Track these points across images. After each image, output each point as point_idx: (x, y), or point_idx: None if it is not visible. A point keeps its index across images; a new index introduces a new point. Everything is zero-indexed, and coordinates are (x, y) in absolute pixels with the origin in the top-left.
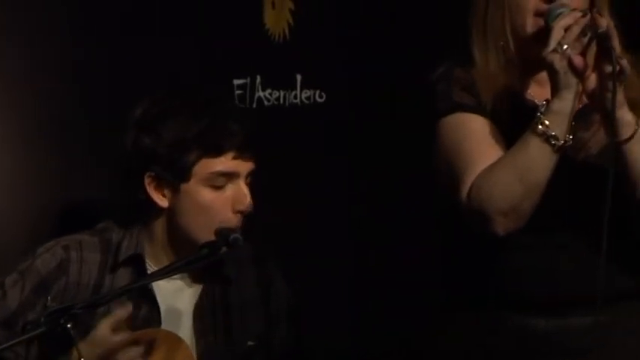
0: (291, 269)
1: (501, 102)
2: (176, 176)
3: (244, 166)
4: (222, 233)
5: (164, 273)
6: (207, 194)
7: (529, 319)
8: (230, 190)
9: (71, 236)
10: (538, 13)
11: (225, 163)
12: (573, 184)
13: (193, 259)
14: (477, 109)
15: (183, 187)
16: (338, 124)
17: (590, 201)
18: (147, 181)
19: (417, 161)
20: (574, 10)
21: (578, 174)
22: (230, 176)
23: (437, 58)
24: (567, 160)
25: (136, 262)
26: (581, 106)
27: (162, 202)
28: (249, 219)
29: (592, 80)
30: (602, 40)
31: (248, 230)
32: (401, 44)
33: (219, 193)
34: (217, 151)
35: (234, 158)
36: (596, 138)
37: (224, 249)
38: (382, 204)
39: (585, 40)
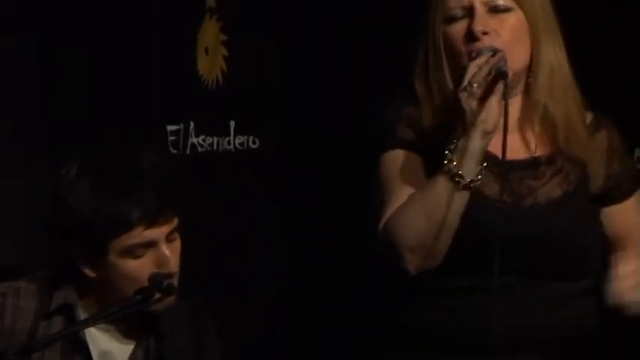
0: (224, 317)
1: (443, 142)
2: (94, 251)
3: (160, 232)
4: (156, 279)
5: (95, 320)
6: (128, 265)
7: None
8: (151, 256)
9: (9, 283)
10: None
11: (137, 236)
12: (514, 229)
13: (127, 305)
14: (419, 147)
15: (105, 259)
16: (271, 169)
17: (528, 247)
18: (72, 252)
19: (350, 205)
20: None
21: (520, 220)
22: (147, 245)
23: (367, 106)
24: (511, 205)
25: (68, 311)
26: (535, 155)
27: (89, 273)
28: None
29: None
30: (500, 78)
31: (181, 282)
32: (333, 91)
33: (141, 261)
34: (127, 227)
35: (147, 228)
36: (546, 189)
37: (157, 295)
38: (316, 249)
39: (489, 78)
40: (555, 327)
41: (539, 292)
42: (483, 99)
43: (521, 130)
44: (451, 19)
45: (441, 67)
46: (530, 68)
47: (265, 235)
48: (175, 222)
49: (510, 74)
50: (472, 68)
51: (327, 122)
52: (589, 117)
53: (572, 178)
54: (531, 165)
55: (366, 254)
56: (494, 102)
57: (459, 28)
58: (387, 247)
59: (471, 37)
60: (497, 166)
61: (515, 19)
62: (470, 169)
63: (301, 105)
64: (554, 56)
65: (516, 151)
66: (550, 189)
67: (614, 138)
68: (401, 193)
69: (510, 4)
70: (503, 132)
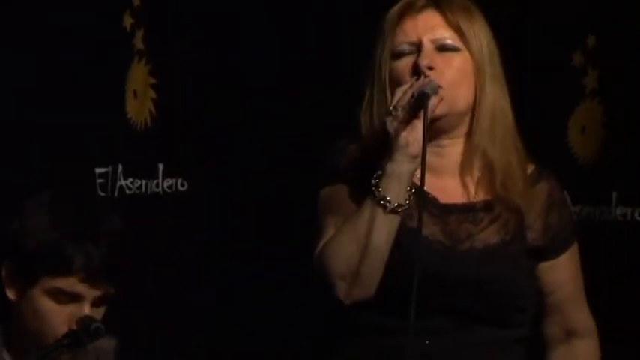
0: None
1: None
2: (24, 278)
3: (91, 292)
4: (84, 322)
5: None
6: (46, 304)
7: None
8: (72, 309)
9: None
10: None
11: (70, 284)
12: (450, 272)
13: (53, 348)
14: (359, 182)
15: (30, 290)
16: (200, 212)
17: (463, 291)
18: (4, 268)
19: (281, 245)
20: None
21: (456, 263)
22: (73, 297)
23: (296, 146)
24: (448, 248)
25: None
26: (473, 200)
27: (11, 294)
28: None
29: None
30: (421, 100)
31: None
32: (261, 133)
33: (60, 308)
34: (65, 271)
35: (82, 281)
36: (483, 234)
37: (85, 339)
38: (248, 291)
39: (412, 101)
40: None
41: (472, 336)
42: (409, 123)
43: (461, 174)
44: (399, 55)
45: (385, 101)
46: (473, 112)
47: (195, 278)
48: (109, 290)
49: (434, 100)
50: (398, 93)
51: (256, 164)
52: (531, 168)
53: (510, 227)
54: (469, 210)
55: (300, 295)
56: (418, 125)
57: (405, 64)
58: (320, 276)
59: (416, 71)
60: (436, 208)
61: (461, 60)
62: (395, 193)
63: (230, 147)
64: (498, 102)
65: (455, 195)
66: (488, 235)
67: (555, 191)
68: (336, 224)
69: (458, 44)
70: (422, 155)
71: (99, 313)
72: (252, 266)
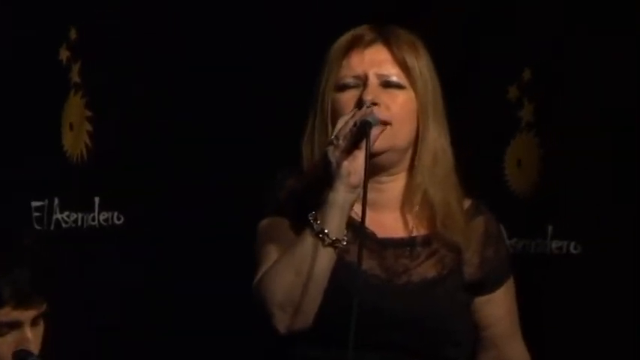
0: None
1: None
2: None
3: (27, 315)
4: (20, 356)
5: None
6: None
7: None
8: (14, 336)
9: None
10: None
11: (4, 314)
12: (385, 306)
13: None
14: (298, 214)
15: None
16: (137, 246)
17: (398, 325)
18: None
19: (220, 278)
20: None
21: (392, 297)
22: (11, 325)
23: (232, 180)
24: (384, 281)
25: None
26: (412, 235)
27: None
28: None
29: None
30: (363, 129)
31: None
32: (198, 167)
33: (3, 339)
34: None
35: (15, 309)
36: (420, 269)
37: None
38: (185, 326)
39: (354, 130)
40: None
41: None
42: (350, 152)
43: (401, 209)
44: (343, 87)
45: (327, 133)
46: (415, 149)
47: (132, 313)
48: (44, 307)
49: (375, 131)
50: (340, 122)
51: (193, 197)
52: (467, 202)
53: (447, 262)
54: (407, 244)
55: (239, 327)
56: (359, 156)
57: (349, 97)
58: (259, 306)
59: (359, 106)
60: (374, 243)
61: (406, 97)
62: (335, 225)
63: (167, 180)
64: (440, 142)
65: (394, 229)
66: (425, 270)
67: (491, 225)
68: (275, 255)
69: (404, 82)
70: (364, 185)
71: (39, 330)
72: (189, 299)
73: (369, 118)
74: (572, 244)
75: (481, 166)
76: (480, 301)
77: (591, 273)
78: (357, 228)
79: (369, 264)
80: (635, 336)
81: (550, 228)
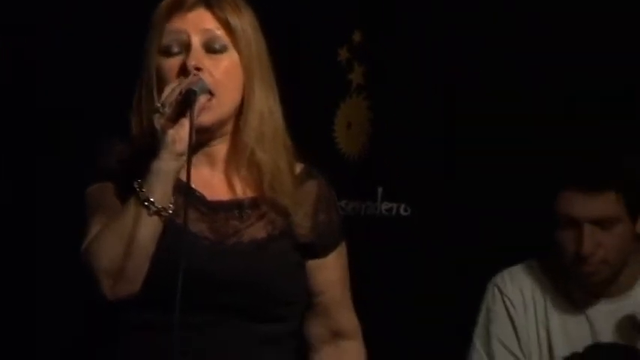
0: None
1: None
2: None
3: None
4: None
5: None
6: None
7: None
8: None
9: None
10: None
11: None
12: (215, 267)
13: None
14: (126, 183)
15: None
16: None
17: (229, 286)
18: None
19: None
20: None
21: (222, 258)
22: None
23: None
24: (214, 243)
25: None
26: (239, 197)
27: None
28: None
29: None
30: (189, 98)
31: None
32: None
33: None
34: None
35: None
36: (251, 230)
37: None
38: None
39: (180, 98)
40: None
41: (239, 332)
42: (176, 120)
43: (227, 171)
44: (166, 53)
45: (153, 100)
46: (242, 111)
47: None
48: None
49: (202, 99)
50: (166, 90)
51: None
52: (299, 167)
53: (278, 224)
54: (236, 206)
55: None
56: (185, 123)
57: (173, 63)
58: (87, 272)
59: (184, 71)
60: (203, 205)
61: (230, 60)
62: (160, 194)
63: None
64: (266, 103)
65: (221, 192)
66: (255, 231)
67: (323, 190)
68: (102, 222)
69: (227, 43)
70: (187, 154)
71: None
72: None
73: (196, 87)
74: (402, 206)
75: (311, 129)
76: (313, 265)
77: (420, 234)
78: (185, 191)
79: (198, 226)
80: (461, 294)
81: (380, 190)
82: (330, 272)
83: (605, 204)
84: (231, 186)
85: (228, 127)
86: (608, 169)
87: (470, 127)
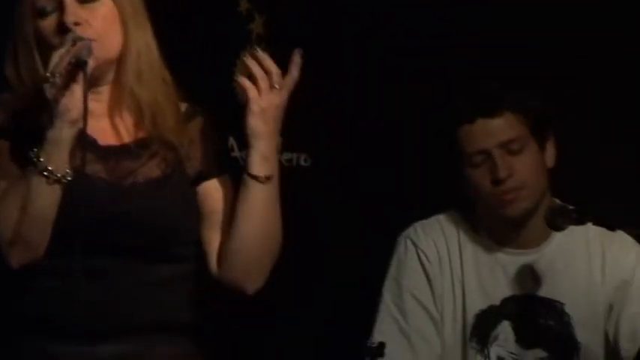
0: None
1: (35, 126)
2: None
3: None
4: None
5: None
6: None
7: (58, 347)
8: None
9: None
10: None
11: None
12: (112, 208)
13: None
14: (17, 142)
15: None
16: None
17: (126, 227)
18: None
19: None
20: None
21: (118, 199)
22: None
23: None
24: (110, 184)
25: None
26: (127, 141)
27: None
28: None
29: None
30: (79, 67)
31: None
32: None
33: None
34: None
35: None
36: (145, 169)
37: None
38: None
39: (70, 67)
40: (151, 312)
41: (138, 274)
42: (67, 88)
43: (112, 116)
44: (41, 14)
45: (32, 56)
46: (121, 52)
47: None
48: None
49: (91, 62)
50: (54, 58)
51: None
52: (184, 106)
53: (170, 161)
54: (127, 149)
55: None
56: (77, 90)
57: (50, 23)
58: None
59: (62, 29)
60: (97, 150)
61: (105, 8)
62: (59, 162)
63: None
64: (143, 41)
65: (110, 137)
66: (149, 170)
67: (208, 125)
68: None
69: None
70: (83, 121)
71: None
72: None
73: (84, 55)
74: (303, 157)
75: (210, 79)
76: (202, 187)
77: (321, 185)
78: (80, 137)
79: (94, 168)
80: (365, 247)
81: (280, 140)
82: (219, 192)
83: (506, 124)
84: (119, 131)
85: (110, 75)
86: (497, 92)
87: (369, 76)
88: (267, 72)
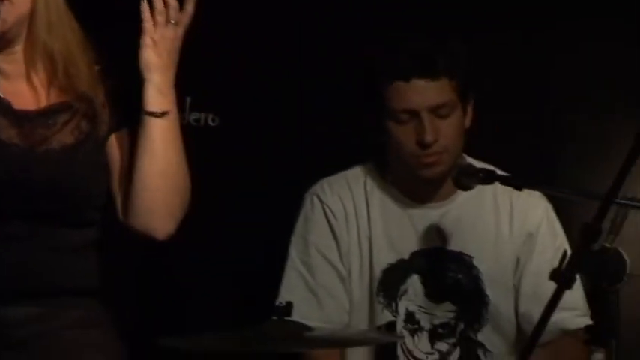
0: None
1: None
2: None
3: None
4: None
5: None
6: None
7: None
8: None
9: None
10: None
11: None
12: (26, 174)
13: None
14: None
15: None
16: None
17: (39, 193)
18: None
19: None
20: None
21: (32, 165)
22: None
23: None
24: (24, 150)
25: None
26: (44, 104)
27: None
28: None
29: None
30: None
31: None
32: None
33: None
34: None
35: None
36: (59, 136)
37: None
38: None
39: None
40: (63, 276)
41: (51, 239)
42: None
43: (28, 77)
44: None
45: None
46: (31, 9)
47: None
48: None
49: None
50: None
51: None
52: (97, 67)
53: (84, 127)
54: (43, 113)
55: None
56: None
57: None
58: None
59: None
60: (10, 113)
61: None
62: None
63: None
64: None
65: (26, 100)
66: (63, 137)
67: (117, 82)
68: None
69: None
70: None
71: None
72: None
73: None
74: (210, 116)
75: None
76: (111, 140)
77: (228, 145)
78: None
79: (8, 133)
80: (275, 206)
81: (188, 99)
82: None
83: (441, 89)
84: (35, 92)
85: (25, 30)
86: (437, 55)
87: (277, 34)
88: (166, 5)
